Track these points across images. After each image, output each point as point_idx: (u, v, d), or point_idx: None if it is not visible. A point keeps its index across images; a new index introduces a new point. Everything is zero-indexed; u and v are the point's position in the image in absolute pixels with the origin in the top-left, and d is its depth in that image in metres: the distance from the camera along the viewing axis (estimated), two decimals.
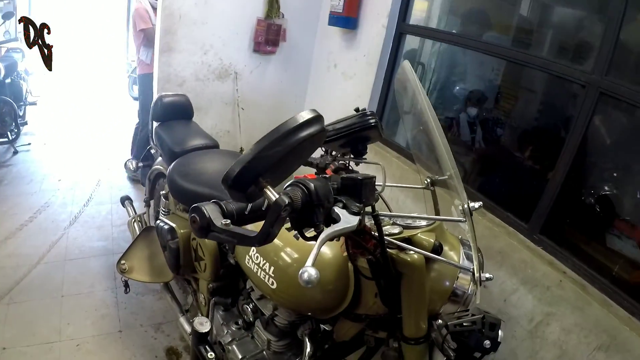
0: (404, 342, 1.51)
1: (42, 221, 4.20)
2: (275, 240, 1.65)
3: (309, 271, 1.00)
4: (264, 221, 1.08)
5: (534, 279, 2.31)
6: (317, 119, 1.14)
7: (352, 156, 1.77)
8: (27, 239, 3.92)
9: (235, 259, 2.04)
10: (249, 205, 1.17)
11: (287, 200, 1.06)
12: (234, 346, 2.02)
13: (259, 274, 1.72)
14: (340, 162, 1.78)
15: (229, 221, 1.10)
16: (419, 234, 1.49)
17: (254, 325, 2.07)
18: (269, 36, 4.21)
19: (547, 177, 2.49)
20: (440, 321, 1.39)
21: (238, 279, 2.24)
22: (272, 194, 1.08)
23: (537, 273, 2.30)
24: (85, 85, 9.24)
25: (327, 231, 1.10)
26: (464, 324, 1.36)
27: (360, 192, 1.20)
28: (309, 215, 1.12)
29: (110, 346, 2.90)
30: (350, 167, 1.76)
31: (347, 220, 1.13)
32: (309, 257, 1.03)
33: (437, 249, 1.46)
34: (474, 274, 1.41)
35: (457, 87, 3.51)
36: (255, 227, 1.16)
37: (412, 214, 1.57)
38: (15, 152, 5.63)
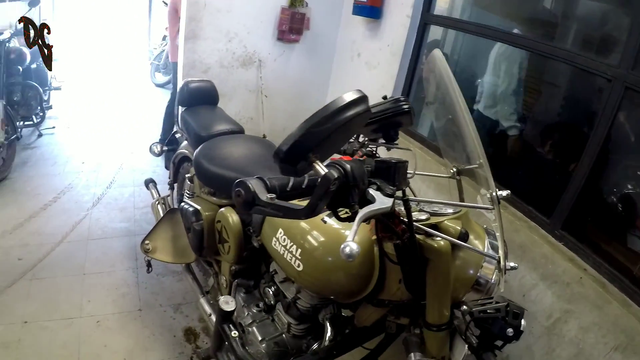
0: (426, 328, 1.52)
1: (66, 202, 4.28)
2: (302, 223, 1.69)
3: (351, 245, 1.03)
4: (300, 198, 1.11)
5: (554, 275, 2.29)
6: (364, 98, 1.17)
7: (383, 141, 1.77)
8: (50, 218, 4.00)
9: (259, 242, 2.06)
10: (291, 182, 1.19)
11: (336, 175, 1.09)
12: (254, 328, 2.04)
13: (285, 256, 1.73)
14: (368, 148, 1.79)
15: (274, 195, 1.13)
16: (445, 221, 1.49)
17: (274, 308, 2.09)
18: (293, 24, 4.22)
19: (571, 173, 2.46)
20: (464, 307, 1.39)
21: (260, 262, 2.26)
22: (321, 168, 1.12)
23: (558, 269, 2.28)
24: (108, 71, 9.31)
25: (364, 210, 1.12)
26: (488, 310, 1.36)
27: (394, 175, 1.22)
28: (344, 195, 1.14)
29: (129, 324, 2.95)
30: (377, 155, 1.76)
31: (381, 201, 1.15)
32: (350, 233, 1.06)
33: (464, 237, 1.47)
34: (499, 261, 1.40)
35: (480, 80, 3.48)
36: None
37: (442, 200, 1.58)
38: (40, 135, 5.73)
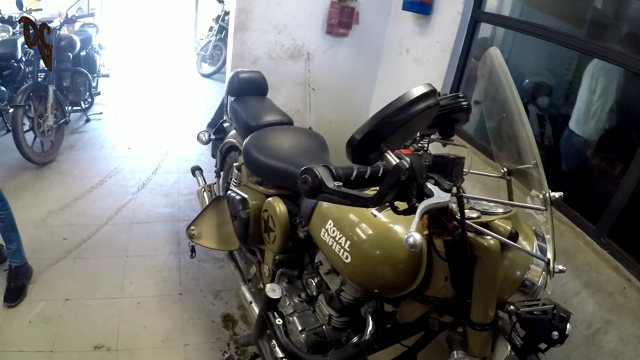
0: (470, 327, 1.51)
1: (112, 185, 4.41)
2: (352, 215, 1.71)
3: (415, 236, 1.06)
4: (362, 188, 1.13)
5: (597, 284, 2.22)
6: (434, 92, 1.20)
7: (439, 137, 1.78)
8: (96, 200, 4.12)
9: (305, 233, 2.09)
10: (355, 172, 1.22)
11: (407, 165, 1.11)
12: (295, 318, 2.06)
13: (333, 247, 1.75)
14: (419, 144, 1.80)
15: (340, 183, 1.16)
16: (495, 221, 1.48)
17: (316, 299, 2.11)
18: (342, 18, 4.20)
19: (619, 180, 2.39)
20: (511, 307, 1.39)
21: (304, 253, 2.29)
22: (392, 158, 1.16)
23: (601, 277, 2.21)
24: (155, 61, 9.50)
25: (425, 203, 1.14)
26: (535, 312, 1.35)
27: (451, 171, 1.23)
28: (402, 188, 1.15)
29: (169, 307, 3.02)
30: (428, 151, 1.77)
31: (439, 196, 1.17)
32: (412, 224, 1.09)
33: (514, 237, 1.45)
34: (547, 263, 1.40)
35: (527, 80, 3.43)
36: None
37: (494, 199, 1.57)
38: (88, 120, 5.91)
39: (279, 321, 1.90)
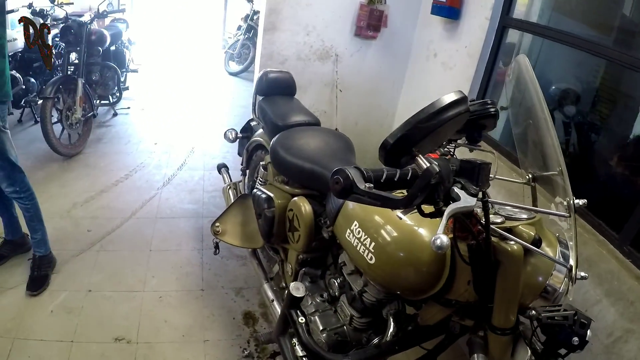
0: (491, 331, 1.52)
1: (137, 179, 4.47)
2: (377, 218, 1.74)
3: (442, 238, 1.09)
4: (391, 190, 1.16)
5: (619, 292, 2.21)
6: (464, 100, 1.23)
7: (466, 142, 1.80)
8: (121, 194, 4.19)
9: (329, 233, 2.12)
10: (385, 174, 1.25)
11: (437, 169, 1.15)
12: (316, 317, 2.09)
13: (358, 248, 1.76)
14: (446, 148, 1.82)
15: (372, 185, 1.20)
16: (519, 226, 1.50)
17: (338, 299, 2.13)
18: (370, 21, 4.22)
19: None
20: (533, 312, 1.40)
21: (327, 253, 2.31)
22: (423, 162, 1.20)
23: (623, 286, 2.20)
24: (183, 58, 9.60)
25: (452, 206, 1.17)
26: (556, 317, 1.36)
27: (478, 176, 1.26)
28: (430, 192, 1.19)
29: (190, 302, 3.05)
30: (455, 156, 1.79)
31: (466, 200, 1.20)
32: (439, 227, 1.12)
33: (537, 243, 1.47)
34: (570, 270, 1.40)
35: (554, 87, 3.41)
36: None
37: (519, 204, 1.59)
38: (115, 114, 6.00)
39: (301, 319, 1.93)
